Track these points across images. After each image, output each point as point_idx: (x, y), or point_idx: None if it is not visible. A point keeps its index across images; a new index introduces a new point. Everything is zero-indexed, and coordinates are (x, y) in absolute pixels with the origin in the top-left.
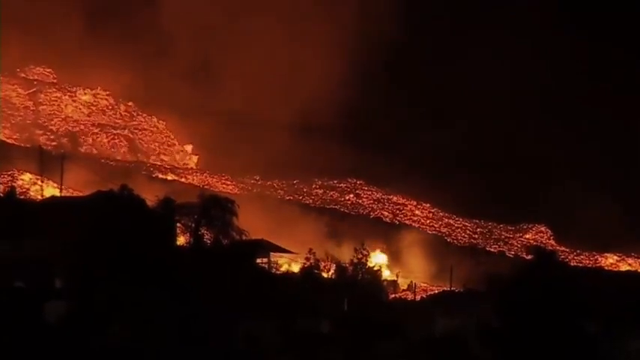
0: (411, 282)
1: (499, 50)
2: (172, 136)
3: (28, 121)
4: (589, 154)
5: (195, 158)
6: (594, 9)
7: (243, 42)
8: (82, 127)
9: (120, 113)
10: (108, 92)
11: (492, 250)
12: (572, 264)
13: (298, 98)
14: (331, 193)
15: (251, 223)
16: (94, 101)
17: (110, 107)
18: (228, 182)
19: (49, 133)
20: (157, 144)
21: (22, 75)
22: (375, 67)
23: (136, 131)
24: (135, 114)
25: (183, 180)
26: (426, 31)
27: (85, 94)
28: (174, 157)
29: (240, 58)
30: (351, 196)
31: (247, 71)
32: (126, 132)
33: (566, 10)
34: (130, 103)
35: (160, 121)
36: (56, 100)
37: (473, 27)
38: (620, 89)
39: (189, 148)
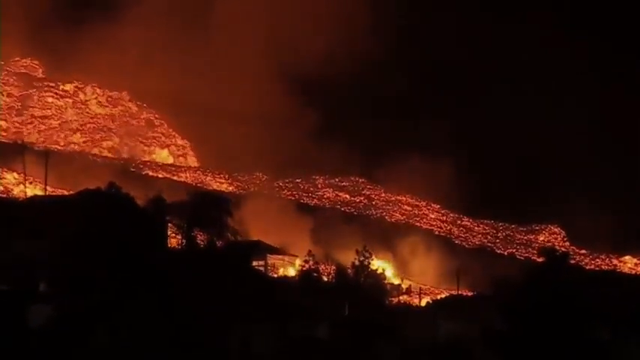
0: (410, 285)
1: (508, 50)
2: (174, 133)
3: (18, 120)
4: (603, 152)
5: (193, 156)
6: (598, 9)
7: (245, 39)
8: (75, 124)
9: (116, 110)
10: (129, 98)
11: (503, 252)
12: (588, 267)
13: (297, 93)
14: (341, 194)
15: (248, 224)
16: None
17: (121, 107)
18: (223, 180)
19: (36, 132)
20: (153, 140)
21: (8, 69)
22: (377, 64)
23: (130, 127)
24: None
25: (175, 178)
26: (429, 27)
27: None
28: (172, 155)
29: (239, 55)
30: (362, 197)
31: (244, 69)
32: (117, 128)
33: (568, 10)
34: (153, 110)
35: (156, 117)
36: (52, 105)
37: (477, 27)
38: (633, 89)
39: (187, 145)
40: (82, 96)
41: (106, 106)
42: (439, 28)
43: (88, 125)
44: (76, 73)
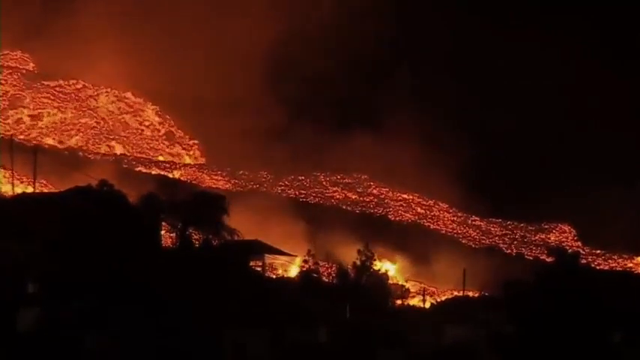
0: (408, 286)
1: (516, 49)
2: (191, 143)
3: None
4: (611, 150)
5: (197, 153)
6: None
7: (244, 35)
8: (74, 127)
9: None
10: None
11: (511, 252)
12: (599, 268)
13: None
14: (349, 193)
15: (245, 222)
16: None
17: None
18: (220, 177)
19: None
20: (154, 138)
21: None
22: (379, 64)
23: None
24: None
25: (170, 175)
26: (433, 25)
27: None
28: (174, 152)
29: (239, 51)
30: (372, 197)
31: (241, 63)
32: (127, 135)
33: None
34: (174, 122)
35: (175, 127)
36: (48, 104)
37: (481, 26)
38: None
39: (190, 143)
40: (93, 102)
41: (117, 112)
42: (446, 26)
43: (89, 131)
44: (76, 69)
